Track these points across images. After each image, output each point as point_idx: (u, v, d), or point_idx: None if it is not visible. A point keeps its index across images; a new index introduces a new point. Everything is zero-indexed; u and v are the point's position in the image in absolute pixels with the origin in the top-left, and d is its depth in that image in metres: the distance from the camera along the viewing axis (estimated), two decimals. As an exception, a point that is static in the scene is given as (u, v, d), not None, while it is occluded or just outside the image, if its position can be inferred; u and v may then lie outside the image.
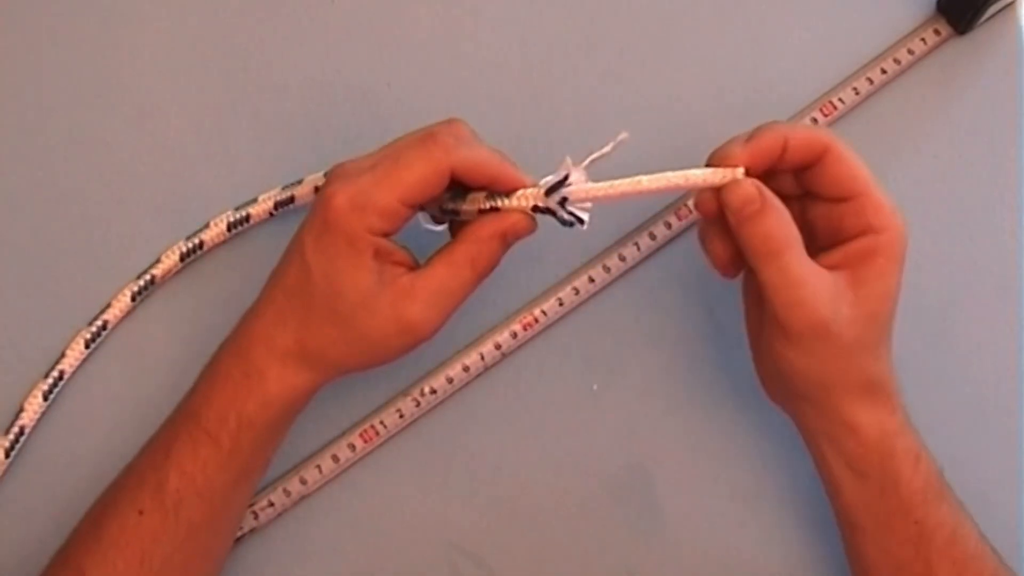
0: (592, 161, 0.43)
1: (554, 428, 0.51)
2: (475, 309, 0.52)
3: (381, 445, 0.50)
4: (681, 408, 0.52)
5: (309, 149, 0.54)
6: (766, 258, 0.41)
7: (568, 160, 0.43)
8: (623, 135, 0.43)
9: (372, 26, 0.56)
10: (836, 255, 0.43)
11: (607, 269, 0.53)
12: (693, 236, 0.53)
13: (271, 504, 0.49)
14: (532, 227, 0.44)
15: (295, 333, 0.43)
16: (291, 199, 0.51)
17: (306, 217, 0.44)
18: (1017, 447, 0.52)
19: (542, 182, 0.44)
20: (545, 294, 0.52)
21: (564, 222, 0.44)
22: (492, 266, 0.44)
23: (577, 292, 0.52)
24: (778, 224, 0.41)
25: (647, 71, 0.56)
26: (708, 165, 0.44)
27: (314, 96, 0.54)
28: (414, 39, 0.56)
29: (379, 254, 0.42)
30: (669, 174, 0.42)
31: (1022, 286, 0.53)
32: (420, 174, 0.41)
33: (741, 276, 0.47)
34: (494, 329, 0.52)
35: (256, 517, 0.49)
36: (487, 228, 0.43)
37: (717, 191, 0.43)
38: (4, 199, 0.53)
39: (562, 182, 0.43)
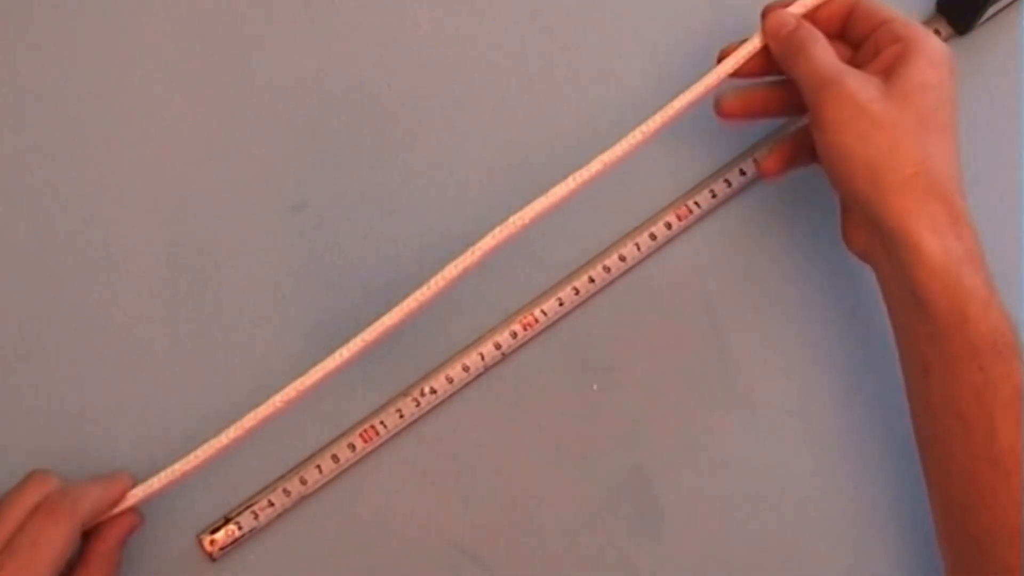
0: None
1: (554, 428, 0.51)
2: (475, 309, 0.52)
3: (381, 445, 0.50)
4: (681, 408, 0.52)
5: (309, 149, 0.54)
6: (796, 53, 0.46)
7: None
8: None
9: (372, 26, 0.56)
10: (871, 65, 0.45)
11: (607, 269, 0.53)
12: (693, 236, 0.54)
13: (271, 504, 0.49)
14: (142, 522, 0.46)
15: None
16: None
17: None
18: (1017, 447, 0.52)
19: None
20: (545, 294, 0.52)
21: None
22: (119, 561, 0.46)
23: (577, 292, 0.52)
24: (807, 30, 0.46)
25: (646, 73, 0.56)
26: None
27: (314, 96, 0.55)
28: (414, 39, 0.56)
29: None
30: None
31: (1022, 286, 0.53)
32: (63, 550, 0.42)
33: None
34: (494, 329, 0.52)
35: (256, 517, 0.49)
36: (107, 543, 0.45)
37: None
38: (3, 201, 0.53)
39: None
